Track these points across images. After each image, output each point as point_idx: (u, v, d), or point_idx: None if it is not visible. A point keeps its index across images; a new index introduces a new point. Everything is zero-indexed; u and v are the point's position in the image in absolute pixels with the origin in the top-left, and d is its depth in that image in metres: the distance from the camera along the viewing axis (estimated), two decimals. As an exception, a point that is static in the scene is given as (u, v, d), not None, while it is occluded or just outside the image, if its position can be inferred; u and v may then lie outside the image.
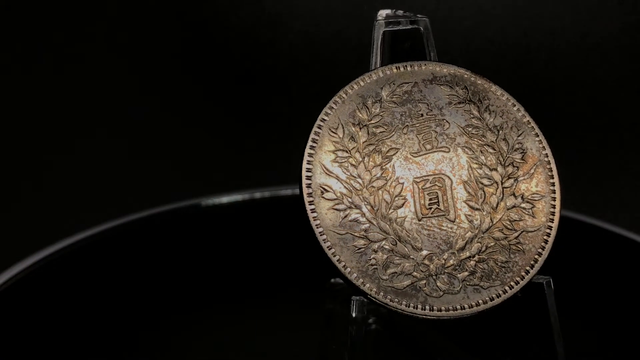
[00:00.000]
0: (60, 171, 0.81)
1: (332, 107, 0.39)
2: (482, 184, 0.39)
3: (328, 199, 0.37)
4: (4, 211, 0.77)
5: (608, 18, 0.85)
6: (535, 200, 0.39)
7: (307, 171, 0.38)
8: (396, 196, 0.38)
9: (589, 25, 0.85)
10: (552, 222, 0.39)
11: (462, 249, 0.38)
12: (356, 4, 0.52)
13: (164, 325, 0.49)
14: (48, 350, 0.46)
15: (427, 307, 0.37)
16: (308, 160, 0.38)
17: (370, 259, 0.37)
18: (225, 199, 0.63)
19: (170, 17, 0.85)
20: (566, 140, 0.83)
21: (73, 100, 0.84)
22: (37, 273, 0.52)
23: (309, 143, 0.38)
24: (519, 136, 0.40)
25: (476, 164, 0.39)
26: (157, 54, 0.85)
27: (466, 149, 0.39)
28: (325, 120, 0.38)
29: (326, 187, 0.37)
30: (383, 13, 0.42)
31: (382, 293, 0.37)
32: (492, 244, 0.38)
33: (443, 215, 0.38)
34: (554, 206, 0.39)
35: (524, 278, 0.38)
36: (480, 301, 0.37)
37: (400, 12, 0.41)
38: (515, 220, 0.38)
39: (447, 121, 0.39)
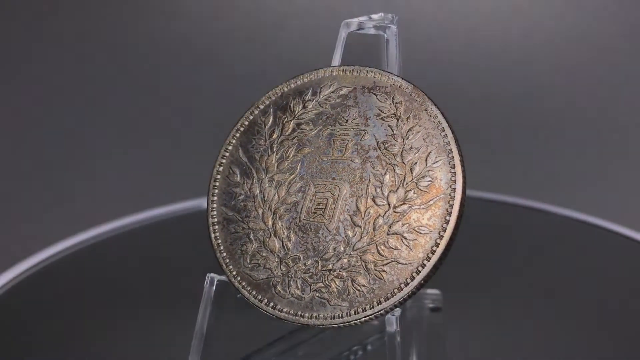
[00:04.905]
0: (60, 172, 0.85)
1: (270, 98, 0.41)
2: (374, 202, 0.37)
3: (231, 180, 0.40)
4: (6, 211, 0.82)
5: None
6: (421, 233, 0.36)
7: (224, 151, 0.40)
8: (290, 194, 0.39)
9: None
10: (428, 261, 0.35)
11: (327, 260, 0.37)
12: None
13: (160, 325, 0.49)
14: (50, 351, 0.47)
15: (272, 305, 0.37)
16: (230, 142, 0.40)
17: (242, 244, 0.38)
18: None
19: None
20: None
21: (73, 100, 0.87)
22: (37, 274, 0.54)
23: (236, 126, 0.41)
24: (434, 163, 0.37)
25: (378, 181, 0.37)
26: (155, 55, 0.85)
27: (374, 164, 0.37)
28: (260, 108, 0.40)
29: (234, 169, 0.40)
30: (375, 17, 0.41)
31: (239, 278, 0.38)
32: (358, 264, 0.36)
33: (324, 223, 0.38)
34: (437, 244, 0.35)
35: (373, 308, 0.36)
36: (321, 316, 0.36)
37: (363, 17, 0.40)
38: (391, 248, 0.36)
39: (367, 132, 0.38)
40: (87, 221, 0.62)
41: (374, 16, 0.41)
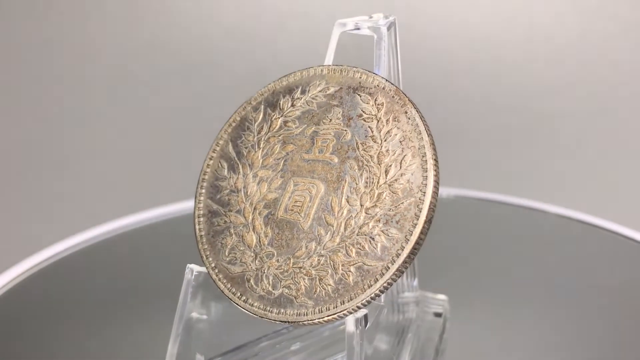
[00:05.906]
0: (60, 172, 0.84)
1: (263, 95, 0.41)
2: (348, 202, 0.37)
3: (219, 174, 0.41)
4: (6, 211, 0.81)
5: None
6: (389, 236, 0.36)
7: (215, 145, 0.41)
8: (271, 191, 0.39)
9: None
10: (392, 264, 0.35)
11: (299, 258, 0.37)
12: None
13: (157, 321, 0.49)
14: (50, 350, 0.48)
15: (243, 299, 0.38)
16: (221, 136, 0.41)
17: (222, 238, 0.39)
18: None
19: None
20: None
21: (73, 100, 0.85)
22: (37, 274, 0.55)
23: (229, 121, 0.41)
24: (408, 166, 0.36)
25: (354, 182, 0.37)
26: (155, 55, 0.83)
27: (352, 165, 0.38)
28: (252, 104, 0.41)
29: (223, 164, 0.41)
30: (374, 16, 0.41)
31: (217, 270, 0.39)
32: (327, 263, 0.37)
33: (299, 221, 0.38)
34: (403, 248, 0.35)
35: (336, 308, 0.36)
36: (287, 312, 0.37)
37: (361, 17, 0.40)
38: (359, 249, 0.36)
39: (348, 132, 0.38)
40: (86, 221, 0.63)
41: (374, 16, 0.41)
